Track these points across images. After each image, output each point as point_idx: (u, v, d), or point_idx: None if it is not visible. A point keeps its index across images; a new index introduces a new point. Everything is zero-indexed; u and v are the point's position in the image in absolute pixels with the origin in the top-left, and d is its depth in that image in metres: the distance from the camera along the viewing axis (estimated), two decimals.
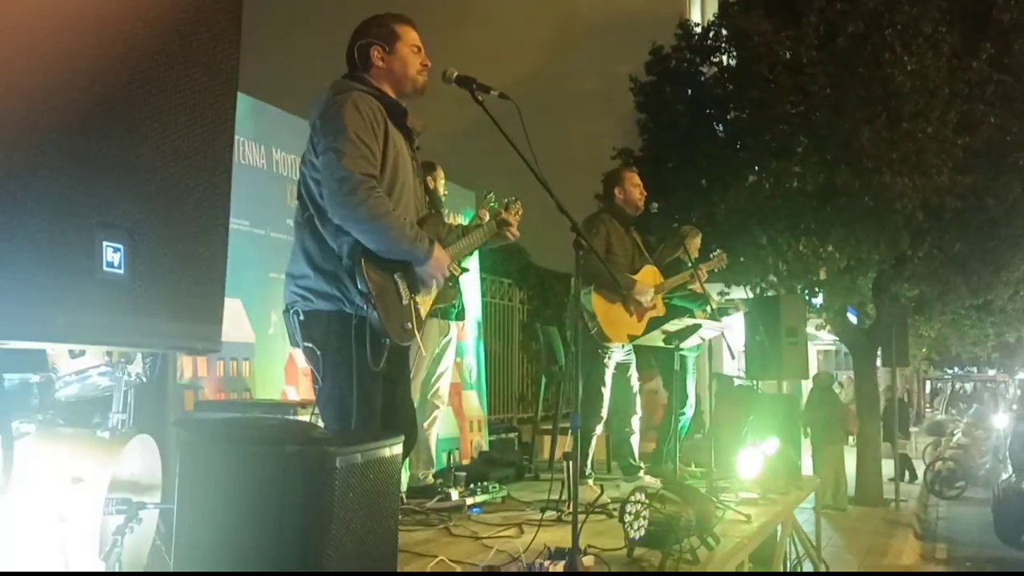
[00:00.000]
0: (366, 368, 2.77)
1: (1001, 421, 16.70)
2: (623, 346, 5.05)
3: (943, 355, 24.28)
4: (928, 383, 36.49)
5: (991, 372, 34.24)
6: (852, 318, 12.82)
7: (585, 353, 4.94)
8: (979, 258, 10.46)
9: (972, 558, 10.00)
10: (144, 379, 2.92)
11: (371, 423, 2.77)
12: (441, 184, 5.12)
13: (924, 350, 19.79)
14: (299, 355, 3.16)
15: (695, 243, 6.23)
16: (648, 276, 5.22)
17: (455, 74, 3.00)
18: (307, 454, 1.76)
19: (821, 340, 21.84)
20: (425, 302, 2.99)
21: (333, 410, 2.81)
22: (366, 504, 1.89)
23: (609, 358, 5.01)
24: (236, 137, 4.82)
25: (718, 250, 5.83)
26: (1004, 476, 10.74)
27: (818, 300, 12.36)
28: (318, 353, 2.80)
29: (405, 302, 2.86)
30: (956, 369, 34.81)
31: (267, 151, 5.12)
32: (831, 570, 7.22)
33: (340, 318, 2.77)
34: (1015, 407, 22.66)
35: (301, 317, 2.82)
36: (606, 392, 5.00)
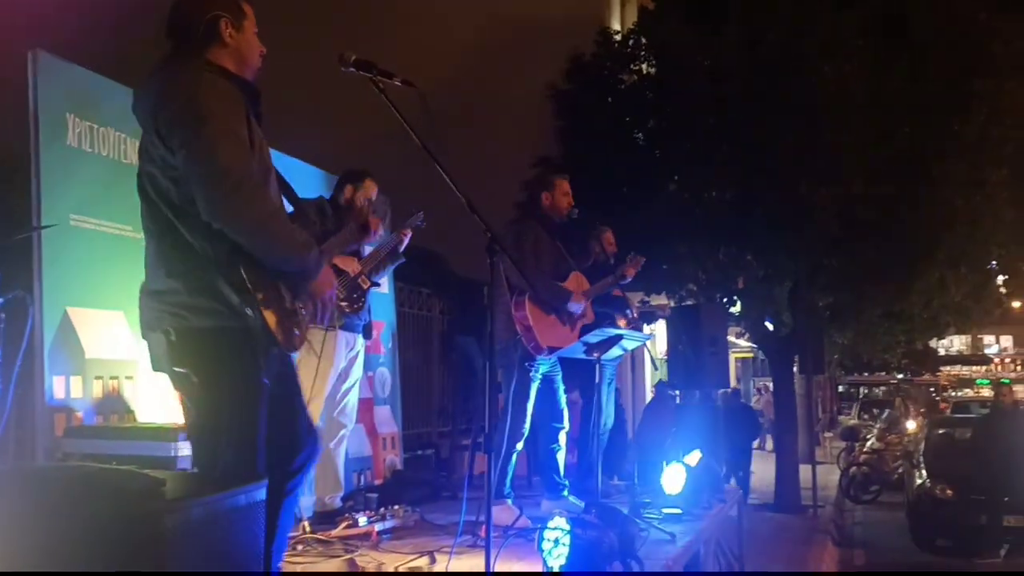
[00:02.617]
0: (254, 387, 2.45)
1: (913, 425, 17.11)
2: (549, 357, 4.82)
3: (855, 361, 24.93)
4: (840, 387, 37.50)
5: (900, 377, 35.43)
6: (770, 326, 12.93)
7: (511, 366, 4.70)
8: (893, 267, 10.61)
9: (889, 564, 10.10)
10: None
11: (255, 453, 2.44)
12: (363, 197, 4.71)
13: (837, 356, 20.25)
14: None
15: (608, 237, 6.05)
16: (574, 282, 5.00)
17: (353, 57, 2.72)
18: (125, 513, 1.39)
19: (739, 347, 22.21)
20: (308, 307, 2.66)
21: (210, 441, 2.46)
22: (212, 569, 1.53)
23: (536, 371, 4.77)
24: (118, 134, 4.49)
25: (632, 253, 5.65)
26: (918, 481, 10.89)
27: (736, 309, 12.41)
28: (194, 379, 2.44)
29: (288, 306, 2.54)
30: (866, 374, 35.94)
31: None
32: None
33: (222, 334, 2.42)
34: (924, 411, 23.40)
35: (172, 337, 2.43)
36: (530, 407, 4.76)
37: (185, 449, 3.46)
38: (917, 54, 10.26)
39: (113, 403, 4.27)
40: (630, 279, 5.39)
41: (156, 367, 2.54)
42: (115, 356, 4.32)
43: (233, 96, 2.47)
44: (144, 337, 2.55)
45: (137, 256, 4.47)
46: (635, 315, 6.24)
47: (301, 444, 2.66)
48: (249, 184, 2.37)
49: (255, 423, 2.46)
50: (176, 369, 2.46)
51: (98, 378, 4.21)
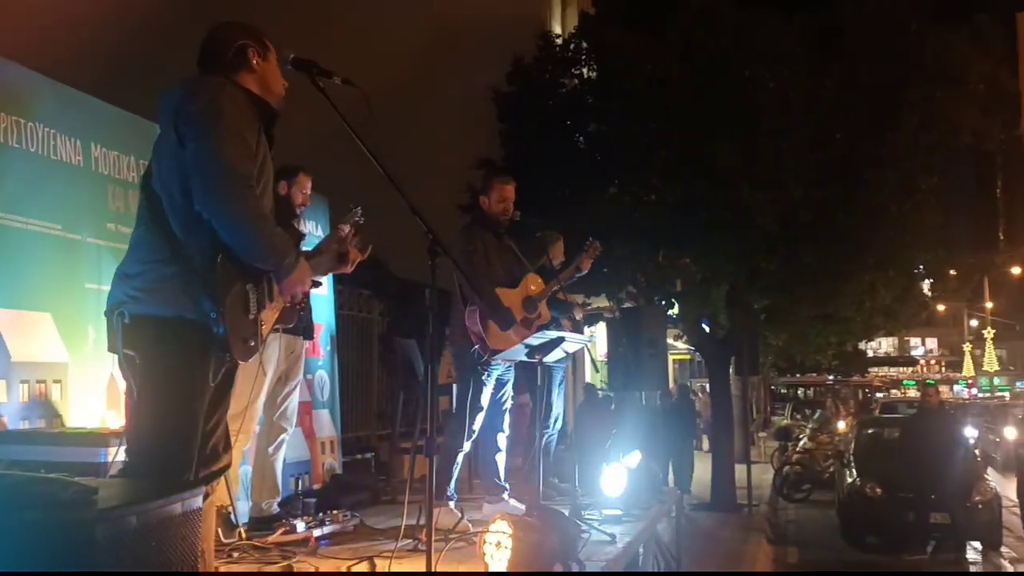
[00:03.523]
0: (198, 385, 2.50)
1: (843, 425, 17.56)
2: (505, 363, 4.80)
3: (789, 362, 25.50)
4: (774, 388, 38.33)
5: (832, 378, 36.41)
6: (706, 328, 13.14)
7: (465, 370, 4.68)
8: (826, 270, 10.87)
9: (820, 562, 10.33)
10: None
11: (189, 449, 2.47)
12: (301, 193, 4.69)
13: (771, 358, 20.71)
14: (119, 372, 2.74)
15: (558, 247, 6.05)
16: (527, 284, 4.98)
17: (292, 56, 2.72)
18: (55, 523, 1.34)
19: (676, 349, 22.55)
20: (269, 318, 2.71)
21: (146, 430, 2.48)
22: None
23: (489, 376, 4.74)
24: (47, 130, 4.33)
25: (590, 238, 5.63)
26: (848, 480, 11.17)
27: (674, 311, 12.59)
28: (138, 362, 2.49)
29: (252, 316, 2.60)
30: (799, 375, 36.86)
31: (84, 147, 4.54)
32: None
33: (177, 324, 2.47)
34: (855, 411, 24.05)
35: (127, 320, 2.49)
36: (481, 410, 4.73)
37: (117, 455, 3.36)
38: (851, 63, 10.56)
39: (40, 408, 4.11)
40: (586, 271, 5.40)
41: (110, 347, 2.58)
42: (43, 359, 4.16)
43: (249, 109, 2.64)
44: (105, 315, 2.59)
45: (66, 256, 4.38)
46: (581, 317, 6.25)
47: (222, 451, 2.71)
48: (246, 182, 2.49)
49: (192, 420, 2.49)
50: (126, 351, 2.50)
51: (24, 382, 4.05)
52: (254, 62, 2.74)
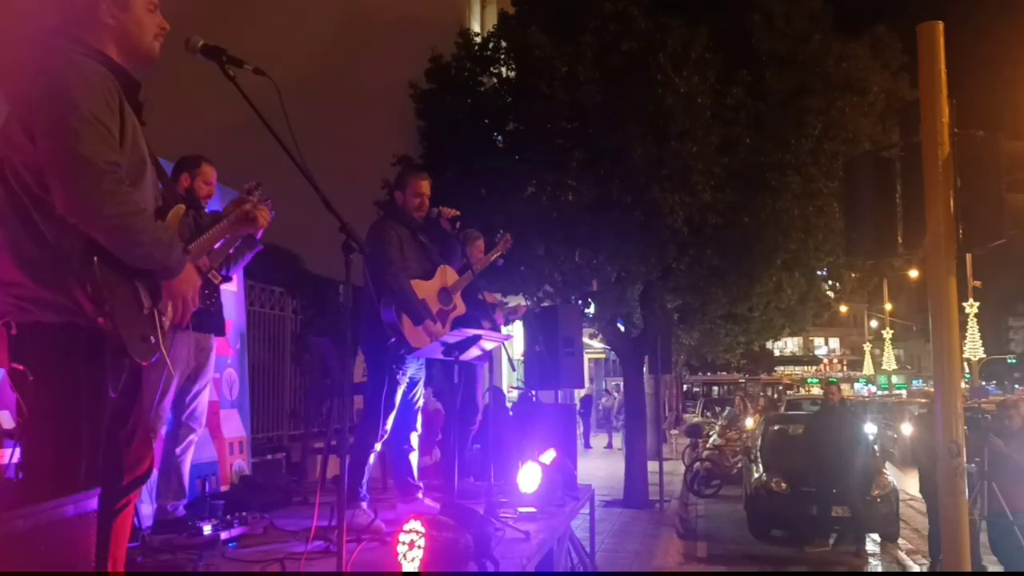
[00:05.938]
0: (98, 394, 2.30)
1: (751, 423, 18.05)
2: (418, 360, 4.76)
3: (701, 361, 26.12)
4: (686, 386, 39.23)
5: (741, 378, 37.50)
6: (621, 327, 13.33)
7: (379, 368, 4.62)
8: (736, 271, 11.16)
9: (728, 554, 10.60)
10: None
11: (95, 464, 2.28)
12: (205, 184, 4.54)
13: (683, 356, 21.19)
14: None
15: (478, 246, 6.05)
16: (441, 276, 4.95)
17: (200, 43, 2.59)
18: None
19: (592, 348, 22.84)
20: (166, 308, 2.54)
21: (47, 447, 2.26)
22: None
23: (404, 374, 4.69)
24: None
25: (500, 231, 5.66)
26: (755, 475, 11.48)
27: (590, 310, 12.74)
28: (30, 377, 2.26)
29: (146, 311, 2.41)
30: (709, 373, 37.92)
31: None
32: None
33: (68, 332, 2.26)
34: (763, 408, 24.72)
35: (13, 331, 2.27)
36: (393, 409, 4.68)
37: (10, 457, 3.19)
38: (757, 70, 10.87)
39: None
40: (500, 264, 5.41)
41: None
42: None
43: (104, 83, 2.33)
44: None
45: None
46: (501, 319, 6.28)
47: (141, 457, 2.55)
48: (111, 179, 2.24)
49: (96, 433, 2.31)
50: (14, 365, 2.29)
51: None
52: (107, 15, 2.39)
